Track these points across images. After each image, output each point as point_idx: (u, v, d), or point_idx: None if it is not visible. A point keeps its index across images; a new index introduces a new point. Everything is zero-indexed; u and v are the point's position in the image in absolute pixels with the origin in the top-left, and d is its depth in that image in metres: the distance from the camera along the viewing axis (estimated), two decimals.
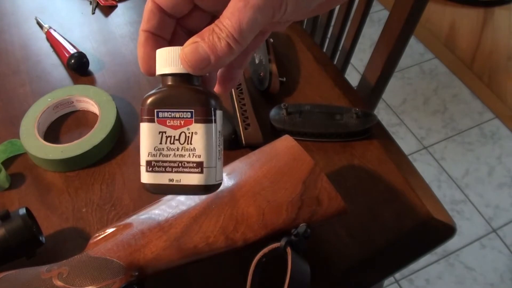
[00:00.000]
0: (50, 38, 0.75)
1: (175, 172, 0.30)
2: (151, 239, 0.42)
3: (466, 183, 1.54)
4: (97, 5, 0.82)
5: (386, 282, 1.32)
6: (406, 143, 1.64)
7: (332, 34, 0.89)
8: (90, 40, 0.76)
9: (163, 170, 0.30)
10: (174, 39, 0.32)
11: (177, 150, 0.29)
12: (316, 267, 0.44)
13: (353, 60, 1.72)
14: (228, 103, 0.65)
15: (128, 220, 0.44)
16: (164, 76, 0.29)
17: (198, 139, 0.29)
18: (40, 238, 0.48)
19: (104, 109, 0.62)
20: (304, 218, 0.43)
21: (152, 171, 0.30)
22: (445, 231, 0.53)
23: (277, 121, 0.60)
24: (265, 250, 0.42)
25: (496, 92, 1.71)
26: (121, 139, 0.62)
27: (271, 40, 0.71)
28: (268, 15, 0.27)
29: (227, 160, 0.51)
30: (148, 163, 0.30)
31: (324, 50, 0.94)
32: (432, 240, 0.52)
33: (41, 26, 0.78)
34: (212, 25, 0.27)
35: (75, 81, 0.70)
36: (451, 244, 1.39)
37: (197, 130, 0.29)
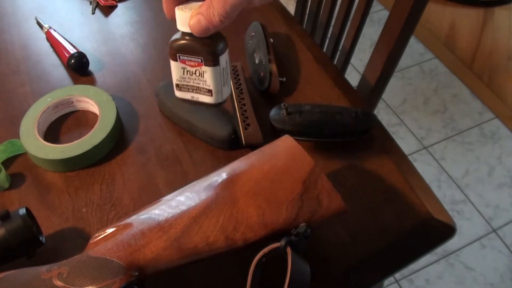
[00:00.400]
0: (50, 38, 0.75)
1: (195, 92, 0.45)
2: (151, 239, 0.42)
3: (466, 183, 1.54)
4: (97, 5, 0.82)
5: (386, 282, 1.32)
6: (406, 143, 1.65)
7: (332, 34, 0.89)
8: (90, 40, 0.76)
9: (187, 90, 0.45)
10: None
11: (195, 80, 0.43)
12: (316, 267, 0.44)
13: (353, 60, 1.72)
14: (228, 103, 0.65)
15: (128, 220, 0.44)
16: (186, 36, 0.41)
17: (208, 76, 0.42)
18: (40, 238, 0.48)
19: (104, 109, 0.62)
20: (304, 218, 0.43)
21: (180, 90, 0.45)
22: (445, 231, 0.53)
23: (277, 121, 0.60)
24: (265, 250, 0.42)
25: (496, 92, 1.71)
26: (121, 139, 0.62)
27: (271, 40, 0.71)
28: (245, 3, 0.37)
29: (227, 160, 0.52)
30: (177, 85, 0.45)
31: (324, 50, 0.94)
32: (432, 240, 0.52)
33: (41, 26, 0.78)
34: (209, 2, 0.37)
35: (75, 81, 0.70)
36: (451, 244, 1.39)
37: (206, 70, 0.42)
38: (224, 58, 0.42)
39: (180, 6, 0.40)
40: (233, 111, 0.61)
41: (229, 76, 0.44)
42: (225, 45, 0.41)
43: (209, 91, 0.43)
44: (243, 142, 0.58)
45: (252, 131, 0.58)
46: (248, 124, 0.59)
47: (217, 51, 0.40)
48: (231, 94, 0.62)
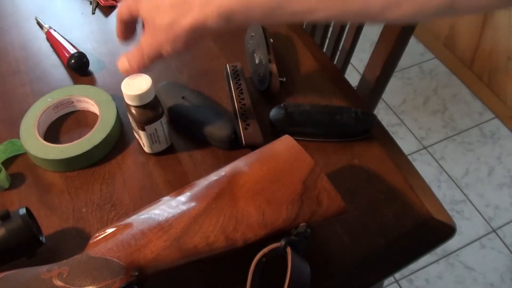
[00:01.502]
0: (50, 38, 0.75)
1: (138, 137, 0.59)
2: (151, 239, 0.42)
3: (466, 183, 1.54)
4: (97, 5, 0.82)
5: (386, 282, 1.32)
6: (406, 143, 1.65)
7: (332, 34, 0.89)
8: (90, 40, 0.76)
9: (136, 137, 0.60)
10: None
11: (136, 130, 0.58)
12: (316, 267, 0.44)
13: (353, 60, 1.72)
14: (228, 103, 0.65)
15: (128, 220, 0.44)
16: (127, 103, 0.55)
17: (141, 135, 0.57)
18: (40, 238, 0.48)
19: (104, 109, 0.62)
20: (304, 218, 0.43)
21: (133, 130, 0.60)
22: (445, 231, 0.53)
23: (277, 121, 0.60)
24: (265, 250, 0.42)
25: (496, 92, 1.71)
26: (121, 139, 0.62)
27: (271, 40, 0.71)
28: (155, 57, 0.47)
29: (227, 160, 0.52)
30: (132, 126, 0.59)
31: (324, 50, 0.94)
32: (432, 240, 0.52)
33: (41, 26, 0.78)
34: (134, 51, 0.48)
35: (75, 81, 0.70)
36: (451, 244, 1.39)
37: (140, 132, 0.57)
38: (152, 127, 0.55)
39: (126, 81, 0.53)
40: (233, 111, 0.61)
41: (161, 137, 0.57)
42: (155, 118, 0.55)
43: (143, 144, 0.58)
44: (243, 142, 0.58)
45: (252, 131, 0.58)
46: (248, 124, 0.59)
47: (142, 122, 0.54)
48: (231, 94, 0.62)
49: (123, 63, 0.49)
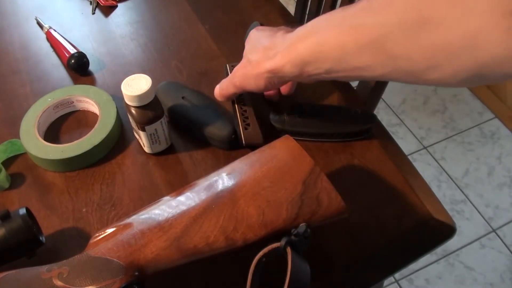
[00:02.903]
0: (50, 38, 0.75)
1: (138, 137, 0.59)
2: (151, 239, 0.42)
3: (466, 183, 1.54)
4: (97, 5, 0.82)
5: (386, 282, 1.32)
6: (406, 143, 1.65)
7: None
8: (90, 40, 0.76)
9: (136, 137, 0.61)
10: None
11: (136, 131, 0.58)
12: (316, 267, 0.44)
13: None
14: (228, 103, 0.65)
15: (128, 220, 0.44)
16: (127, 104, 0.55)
17: (141, 136, 0.57)
18: (40, 238, 0.48)
19: (104, 109, 0.62)
20: (304, 218, 0.43)
21: (134, 131, 0.60)
22: (445, 231, 0.53)
23: (277, 121, 0.60)
24: (265, 250, 0.42)
25: (496, 92, 1.71)
26: (121, 139, 0.62)
27: None
28: (241, 88, 0.56)
29: (227, 160, 0.52)
30: (133, 127, 0.59)
31: None
32: (432, 240, 0.52)
33: (41, 26, 0.78)
34: (227, 78, 0.58)
35: (75, 81, 0.70)
36: (451, 244, 1.39)
37: (140, 132, 0.57)
38: (152, 127, 0.55)
39: (126, 81, 0.53)
40: (233, 111, 0.61)
41: (161, 137, 0.58)
42: (155, 118, 0.55)
43: (144, 144, 0.58)
44: (243, 142, 0.58)
45: (252, 131, 0.58)
46: (248, 124, 0.59)
47: (142, 122, 0.55)
48: None
49: (216, 88, 0.57)
